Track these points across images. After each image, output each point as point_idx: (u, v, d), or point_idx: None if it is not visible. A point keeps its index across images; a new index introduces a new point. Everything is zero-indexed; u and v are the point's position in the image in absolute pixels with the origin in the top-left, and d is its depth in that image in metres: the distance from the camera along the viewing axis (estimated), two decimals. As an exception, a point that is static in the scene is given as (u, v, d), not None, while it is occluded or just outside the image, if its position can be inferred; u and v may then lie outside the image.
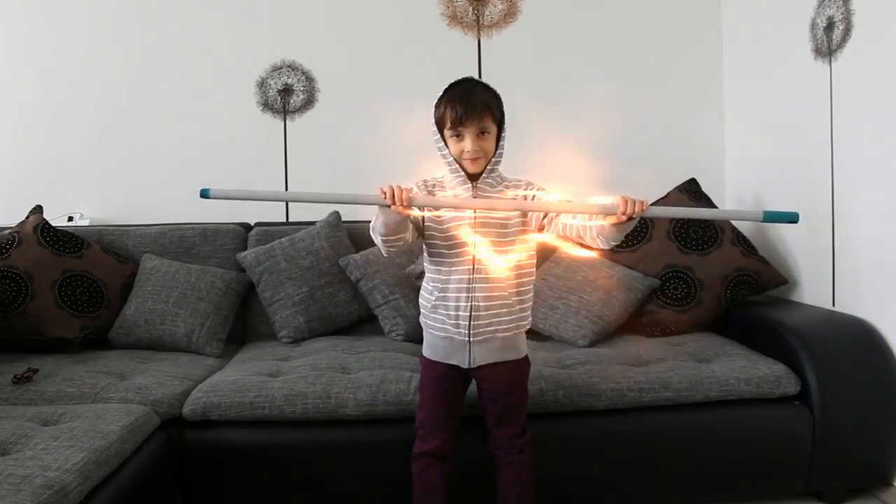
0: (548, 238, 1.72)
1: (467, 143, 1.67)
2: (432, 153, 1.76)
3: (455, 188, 1.73)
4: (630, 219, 1.51)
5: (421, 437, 1.81)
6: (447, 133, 1.69)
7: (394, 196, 1.54)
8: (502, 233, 1.71)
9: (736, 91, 3.12)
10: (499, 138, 1.72)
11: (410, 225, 1.67)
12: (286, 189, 3.13)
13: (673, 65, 3.18)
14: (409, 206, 1.56)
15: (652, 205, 2.81)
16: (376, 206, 1.60)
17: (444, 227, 1.71)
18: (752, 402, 2.09)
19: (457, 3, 3.14)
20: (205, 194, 1.57)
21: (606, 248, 1.64)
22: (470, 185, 1.71)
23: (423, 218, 1.72)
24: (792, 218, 1.56)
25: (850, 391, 2.07)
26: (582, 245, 1.70)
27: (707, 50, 3.20)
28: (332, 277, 2.68)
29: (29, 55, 3.08)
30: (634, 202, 1.50)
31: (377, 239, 1.66)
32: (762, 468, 2.08)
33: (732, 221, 2.75)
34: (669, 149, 3.17)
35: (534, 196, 1.72)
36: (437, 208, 1.70)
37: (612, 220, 1.53)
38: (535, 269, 1.78)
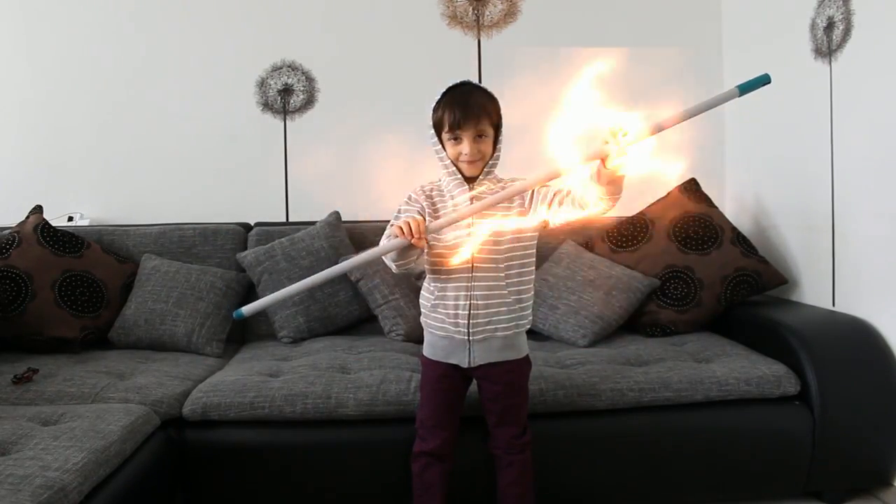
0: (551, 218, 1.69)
1: (465, 147, 1.68)
2: (432, 154, 1.76)
3: (452, 191, 1.73)
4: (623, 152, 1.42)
5: (421, 437, 1.81)
6: (445, 136, 1.70)
7: (411, 232, 1.55)
8: (501, 232, 1.71)
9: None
10: (496, 141, 1.73)
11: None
12: (286, 191, 3.13)
13: (673, 65, 3.18)
14: (425, 237, 1.58)
15: (651, 205, 2.82)
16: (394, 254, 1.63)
17: (448, 229, 1.71)
18: (752, 402, 2.09)
19: (457, 3, 3.14)
20: (239, 316, 1.65)
21: (611, 205, 1.55)
22: (467, 187, 1.72)
23: (424, 218, 1.72)
24: (764, 80, 1.48)
25: (850, 391, 2.07)
26: (589, 217, 1.64)
27: (707, 50, 3.20)
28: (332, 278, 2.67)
29: (29, 55, 3.08)
30: (618, 132, 1.41)
31: (390, 263, 1.69)
32: (762, 468, 2.08)
33: (731, 220, 2.75)
34: (669, 149, 3.17)
35: (532, 196, 1.71)
36: (446, 227, 1.66)
37: (611, 161, 1.43)
38: (534, 267, 1.78)
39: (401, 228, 1.56)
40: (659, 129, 1.46)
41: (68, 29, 3.07)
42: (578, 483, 2.05)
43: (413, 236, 1.55)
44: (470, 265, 1.70)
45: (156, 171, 3.11)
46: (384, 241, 1.66)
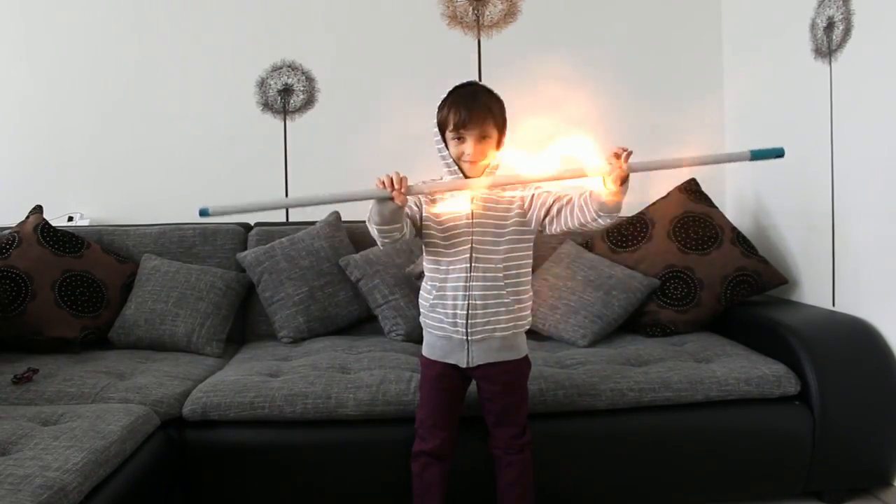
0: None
1: (468, 147, 1.68)
2: (432, 153, 1.76)
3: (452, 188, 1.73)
4: (624, 181, 1.49)
5: (421, 437, 1.81)
6: (449, 135, 1.70)
7: (392, 184, 1.53)
8: (498, 233, 1.71)
9: (736, 91, 3.12)
10: (499, 143, 1.73)
11: (407, 219, 1.67)
12: (286, 191, 3.13)
13: (673, 64, 3.19)
14: (406, 195, 1.54)
15: (651, 205, 2.82)
16: (375, 216, 1.60)
17: (443, 226, 1.72)
18: (752, 402, 2.09)
19: (457, 3, 3.14)
20: (204, 213, 1.55)
21: (609, 222, 1.60)
22: None
23: (421, 216, 1.72)
24: (778, 153, 1.58)
25: (850, 391, 2.07)
26: (585, 231, 1.68)
27: (707, 50, 3.20)
28: (332, 277, 2.68)
29: (29, 55, 3.08)
30: (621, 154, 1.48)
31: (373, 229, 1.65)
32: (762, 468, 2.08)
33: (731, 220, 2.75)
34: (669, 148, 3.15)
35: (532, 196, 1.72)
36: (434, 194, 1.69)
37: (610, 181, 1.49)
38: (531, 268, 1.78)
39: (382, 182, 1.54)
40: (659, 167, 1.54)
41: (68, 29, 3.08)
42: (578, 483, 2.05)
43: (393, 189, 1.52)
44: (468, 265, 1.70)
45: (156, 171, 3.11)
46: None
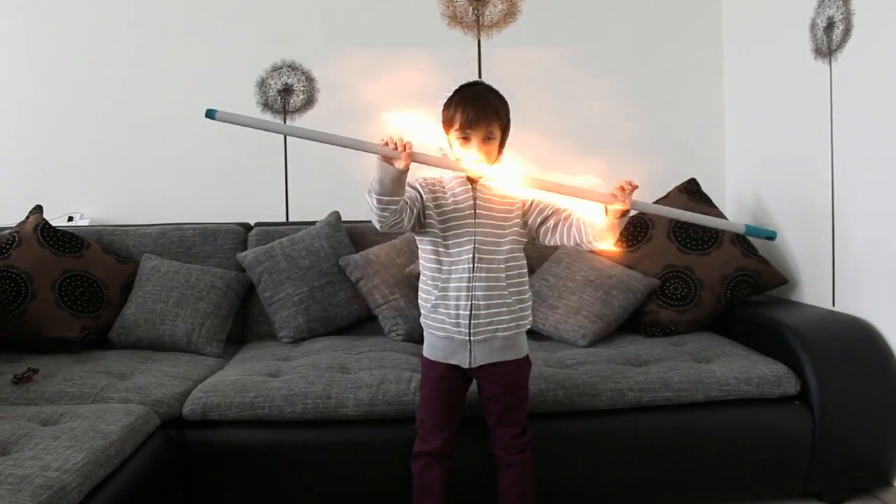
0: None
1: (473, 147, 1.68)
2: (433, 153, 1.75)
3: (454, 188, 1.74)
4: (624, 214, 1.57)
5: (421, 437, 1.81)
6: (454, 134, 1.70)
7: (395, 145, 1.52)
8: (500, 233, 1.71)
9: (736, 91, 3.13)
10: (502, 144, 1.73)
11: (407, 206, 1.64)
12: (286, 190, 3.13)
13: (673, 65, 3.19)
14: (410, 157, 1.53)
15: (653, 203, 2.83)
16: (377, 164, 1.57)
17: (445, 224, 1.71)
18: (752, 402, 2.09)
19: (457, 3, 3.14)
20: (210, 114, 1.59)
21: (604, 248, 1.68)
22: (469, 186, 1.72)
23: (424, 208, 1.71)
24: (769, 235, 1.68)
25: (850, 391, 2.07)
26: (578, 250, 1.74)
27: (707, 50, 3.20)
28: (332, 277, 2.68)
29: (29, 55, 3.08)
30: (626, 189, 1.55)
31: (372, 200, 1.60)
32: (762, 468, 2.08)
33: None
34: (669, 149, 3.17)
35: (532, 201, 1.74)
36: (436, 166, 1.67)
37: (614, 209, 1.57)
38: (527, 269, 1.79)
39: (385, 142, 1.53)
40: (657, 213, 1.61)
41: (68, 29, 3.07)
42: (578, 483, 2.05)
43: (397, 149, 1.52)
44: (471, 265, 1.70)
45: (156, 171, 3.11)
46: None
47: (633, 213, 1.63)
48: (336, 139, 1.62)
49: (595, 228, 1.63)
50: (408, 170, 1.55)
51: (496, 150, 1.72)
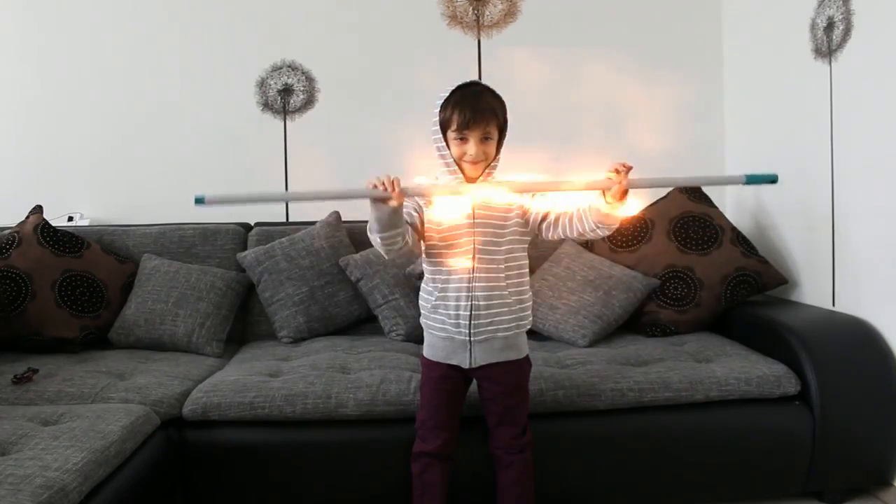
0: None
1: (471, 147, 1.68)
2: (431, 152, 1.76)
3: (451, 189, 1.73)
4: (624, 195, 1.54)
5: (421, 438, 1.81)
6: (451, 135, 1.70)
7: (384, 186, 1.52)
8: (500, 233, 1.71)
9: (736, 91, 3.13)
10: (499, 144, 1.73)
11: (408, 225, 1.66)
12: (286, 188, 3.13)
13: (673, 65, 3.19)
14: (402, 195, 1.54)
15: (651, 205, 2.82)
16: (370, 206, 1.58)
17: (443, 228, 1.71)
18: (752, 402, 2.09)
19: (457, 3, 3.14)
20: (199, 201, 1.53)
21: (607, 233, 1.64)
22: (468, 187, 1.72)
23: (422, 221, 1.72)
24: (771, 179, 1.60)
25: (850, 391, 2.07)
26: (583, 240, 1.72)
27: (707, 50, 3.20)
28: (332, 277, 2.68)
29: (29, 55, 3.08)
30: (621, 171, 1.53)
31: (375, 239, 1.63)
32: (762, 468, 2.08)
33: (731, 220, 2.75)
34: (669, 149, 3.17)
35: (532, 196, 1.73)
36: (429, 196, 1.69)
37: (611, 194, 1.54)
38: (528, 268, 1.79)
39: (374, 185, 1.53)
40: (654, 185, 1.57)
41: (69, 29, 3.07)
42: (578, 483, 2.05)
43: (387, 190, 1.52)
44: (471, 266, 1.70)
45: (156, 172, 3.11)
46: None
47: (632, 211, 1.61)
48: (326, 194, 1.64)
49: (597, 215, 1.59)
50: (402, 205, 1.57)
51: (494, 150, 1.72)
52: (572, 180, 1.62)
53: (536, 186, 1.68)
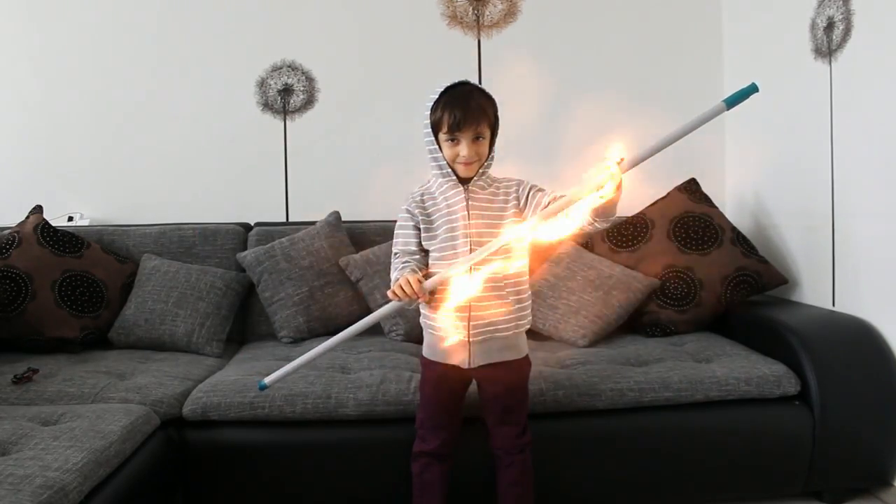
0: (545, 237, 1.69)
1: (463, 148, 1.67)
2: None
3: (446, 192, 1.73)
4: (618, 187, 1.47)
5: (421, 437, 1.81)
6: (442, 137, 1.69)
7: (406, 293, 1.61)
8: (496, 232, 1.69)
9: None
10: (492, 142, 1.72)
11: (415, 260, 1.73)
12: (286, 190, 3.13)
13: (673, 64, 3.19)
14: (424, 293, 1.63)
15: (651, 205, 2.82)
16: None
17: (441, 228, 1.72)
18: (752, 402, 2.09)
19: (457, 3, 3.14)
20: (262, 387, 1.77)
21: (606, 226, 1.58)
22: (461, 188, 1.72)
23: (420, 230, 1.75)
24: (750, 90, 1.55)
25: (850, 391, 2.07)
26: (581, 234, 1.68)
27: (707, 50, 3.20)
28: (332, 277, 2.68)
29: (29, 55, 3.08)
30: (613, 169, 1.46)
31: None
32: (762, 468, 2.08)
33: (731, 220, 2.75)
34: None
35: (528, 193, 1.70)
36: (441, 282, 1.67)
37: (607, 194, 1.47)
38: (528, 267, 1.77)
39: (397, 295, 1.63)
40: (647, 155, 1.50)
41: (69, 29, 3.07)
42: (578, 483, 2.05)
43: (411, 298, 1.62)
44: (469, 268, 1.69)
45: (156, 171, 3.11)
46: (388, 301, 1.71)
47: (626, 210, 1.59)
48: (355, 330, 1.74)
49: (593, 209, 1.51)
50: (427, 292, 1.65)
51: (486, 150, 1.71)
52: (572, 198, 1.52)
53: (548, 214, 1.57)
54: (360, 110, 3.12)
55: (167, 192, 3.10)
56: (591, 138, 3.10)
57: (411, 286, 1.60)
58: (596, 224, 1.56)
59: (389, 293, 1.65)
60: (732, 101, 1.49)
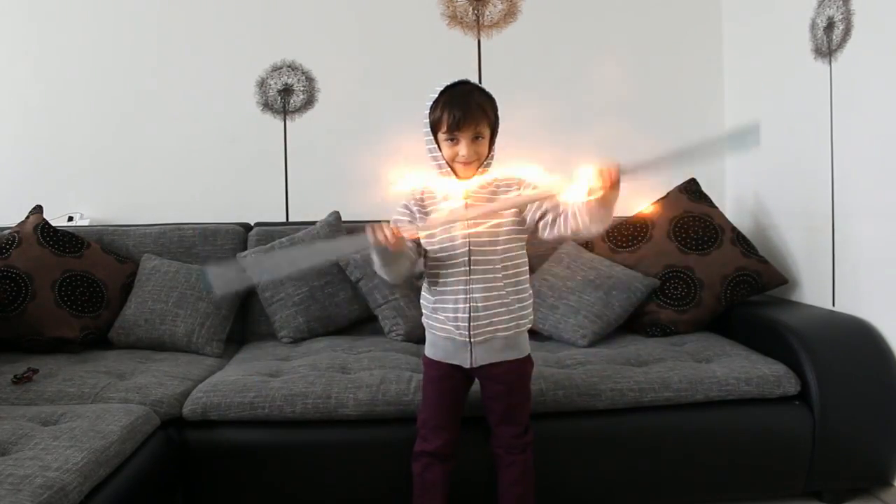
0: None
1: (462, 148, 1.67)
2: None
3: (446, 192, 1.73)
4: (612, 188, 1.48)
5: (423, 437, 1.81)
6: (442, 136, 1.69)
7: (378, 238, 1.56)
8: (495, 231, 1.70)
9: (736, 91, 3.13)
10: (492, 142, 1.72)
11: (411, 243, 1.69)
12: (286, 191, 3.13)
13: (673, 65, 3.19)
14: (400, 237, 1.59)
15: (651, 204, 2.82)
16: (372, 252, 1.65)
17: (438, 232, 1.71)
18: (752, 402, 2.09)
19: (457, 3, 3.14)
20: (207, 287, 1.73)
21: (602, 229, 1.59)
22: (461, 188, 1.71)
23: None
24: (752, 142, 1.54)
25: (850, 391, 2.07)
26: (578, 238, 1.69)
27: (707, 50, 3.20)
28: (332, 277, 2.68)
29: (30, 55, 3.08)
30: (608, 171, 1.46)
31: (381, 272, 1.70)
32: (762, 468, 2.08)
33: (731, 220, 2.75)
34: (669, 149, 3.16)
35: (528, 190, 1.71)
36: (437, 228, 1.70)
37: (596, 194, 1.48)
38: (528, 266, 1.77)
39: (375, 237, 1.57)
40: (648, 167, 1.51)
41: (69, 29, 3.07)
42: (579, 483, 2.05)
43: (389, 242, 1.56)
44: (467, 268, 1.69)
45: (156, 172, 3.11)
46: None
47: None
48: (337, 250, 1.79)
49: (589, 211, 1.54)
50: (403, 241, 1.61)
51: (486, 149, 1.71)
52: (560, 183, 1.56)
53: (532, 198, 1.65)
54: (360, 110, 3.12)
55: (167, 192, 3.10)
56: (591, 138, 3.13)
57: (384, 232, 1.56)
58: (591, 228, 1.57)
59: (369, 232, 1.59)
60: (734, 142, 1.51)
